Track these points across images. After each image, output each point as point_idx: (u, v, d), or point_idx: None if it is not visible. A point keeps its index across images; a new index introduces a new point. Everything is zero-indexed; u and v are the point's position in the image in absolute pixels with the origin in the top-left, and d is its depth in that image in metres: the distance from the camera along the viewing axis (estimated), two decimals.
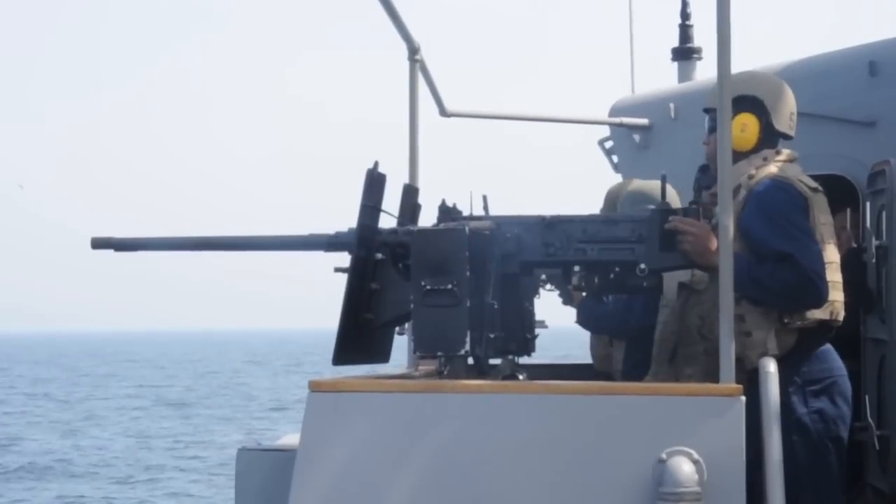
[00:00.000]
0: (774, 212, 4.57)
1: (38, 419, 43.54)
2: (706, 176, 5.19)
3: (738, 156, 4.74)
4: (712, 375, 5.09)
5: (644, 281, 4.51)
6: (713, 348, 5.22)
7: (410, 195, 5.00)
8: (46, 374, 75.17)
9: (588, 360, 7.14)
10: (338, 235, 4.66)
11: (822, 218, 4.70)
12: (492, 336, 4.45)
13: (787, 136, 4.87)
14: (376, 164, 4.56)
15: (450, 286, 4.34)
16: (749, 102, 4.80)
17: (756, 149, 4.78)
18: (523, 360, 4.69)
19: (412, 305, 4.39)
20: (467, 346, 4.34)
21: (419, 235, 4.44)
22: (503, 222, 4.54)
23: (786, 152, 4.81)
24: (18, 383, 64.99)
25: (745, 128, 4.78)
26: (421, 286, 4.37)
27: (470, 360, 4.42)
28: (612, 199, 6.65)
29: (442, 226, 4.51)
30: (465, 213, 4.64)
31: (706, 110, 4.95)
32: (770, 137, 4.82)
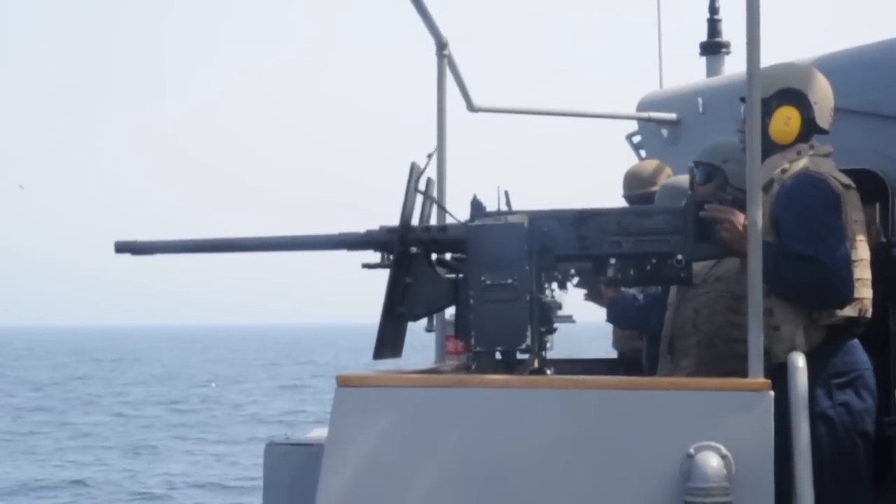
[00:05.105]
0: (804, 208, 4.55)
1: None
2: (700, 171, 5.23)
3: (774, 149, 4.72)
4: (705, 366, 5.12)
5: (681, 272, 4.51)
6: (705, 340, 5.26)
7: (429, 188, 5.02)
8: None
9: (614, 354, 7.16)
10: (368, 234, 4.66)
11: (855, 215, 4.67)
12: (543, 330, 4.47)
13: (823, 132, 4.85)
14: (430, 157, 4.58)
15: (510, 281, 4.35)
16: (793, 95, 4.77)
17: (792, 142, 4.76)
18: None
19: (472, 301, 4.40)
20: (528, 341, 4.35)
21: (478, 231, 4.45)
22: (537, 217, 4.55)
23: (821, 147, 4.78)
24: None
25: (789, 121, 4.75)
26: (481, 281, 4.38)
27: (497, 355, 4.43)
28: (636, 178, 6.67)
29: (488, 221, 4.51)
30: (487, 208, 4.65)
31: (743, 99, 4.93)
32: (809, 132, 4.79)
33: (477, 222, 4.54)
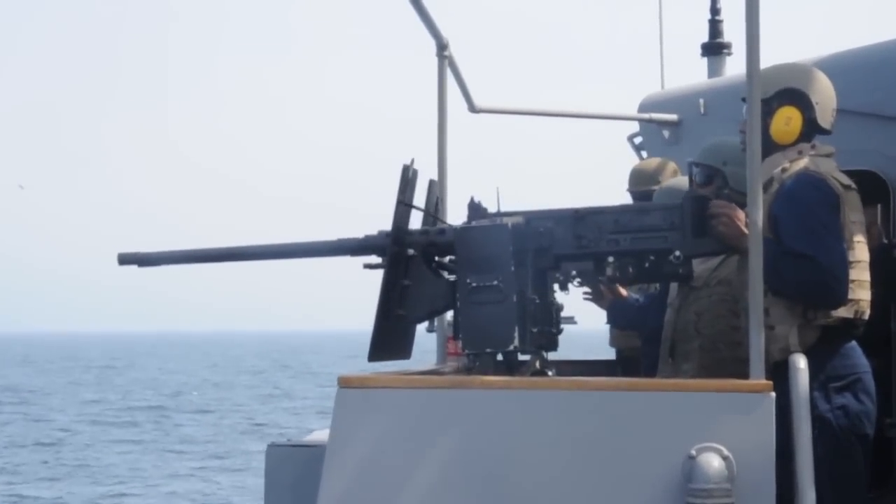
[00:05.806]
0: (803, 208, 4.55)
1: None
2: (700, 173, 5.24)
3: (774, 148, 4.73)
4: (707, 370, 5.12)
5: (679, 268, 4.51)
6: (708, 344, 5.24)
7: (433, 190, 5.03)
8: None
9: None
10: (367, 239, 4.67)
11: (854, 216, 4.66)
12: (535, 331, 4.45)
13: (826, 132, 4.85)
14: (412, 161, 4.57)
15: (495, 282, 4.34)
16: (794, 96, 4.78)
17: (794, 142, 4.76)
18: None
19: (459, 304, 4.40)
20: (516, 342, 4.34)
21: (463, 233, 4.44)
22: (535, 217, 4.54)
23: (822, 147, 4.78)
24: None
25: (790, 121, 4.75)
26: (467, 284, 4.37)
27: (499, 356, 4.42)
28: (642, 174, 6.68)
29: (479, 222, 4.51)
30: (486, 208, 4.64)
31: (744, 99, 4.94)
32: (810, 132, 4.79)
33: (462, 224, 4.54)
